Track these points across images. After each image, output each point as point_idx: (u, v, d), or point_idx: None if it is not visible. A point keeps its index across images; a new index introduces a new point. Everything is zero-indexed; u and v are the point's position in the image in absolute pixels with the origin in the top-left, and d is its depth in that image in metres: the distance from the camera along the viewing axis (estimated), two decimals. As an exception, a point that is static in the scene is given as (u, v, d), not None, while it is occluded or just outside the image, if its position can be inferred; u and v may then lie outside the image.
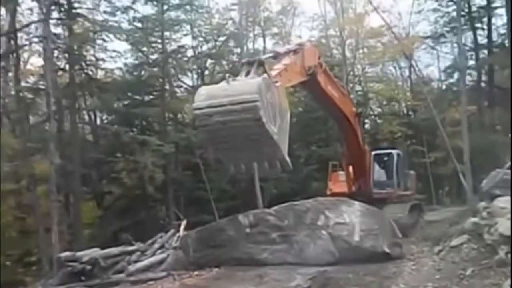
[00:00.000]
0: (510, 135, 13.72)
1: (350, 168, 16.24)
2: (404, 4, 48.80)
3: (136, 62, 24.34)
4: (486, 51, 26.09)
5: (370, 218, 10.96)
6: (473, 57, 26.21)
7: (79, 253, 11.66)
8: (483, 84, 26.57)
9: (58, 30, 20.26)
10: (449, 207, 26.48)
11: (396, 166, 16.85)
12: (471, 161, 19.45)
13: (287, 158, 9.14)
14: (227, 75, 9.67)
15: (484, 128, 24.82)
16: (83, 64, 20.85)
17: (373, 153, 17.02)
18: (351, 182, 16.14)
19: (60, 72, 20.93)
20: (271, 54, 10.82)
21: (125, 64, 23.79)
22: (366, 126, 37.41)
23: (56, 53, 19.69)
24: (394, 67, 40.01)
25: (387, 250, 10.56)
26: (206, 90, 9.61)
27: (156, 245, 13.48)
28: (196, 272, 11.19)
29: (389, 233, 11.16)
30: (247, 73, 9.42)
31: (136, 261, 12.24)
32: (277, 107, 9.04)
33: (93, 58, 22.28)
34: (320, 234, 10.62)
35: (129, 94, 23.87)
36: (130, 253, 12.69)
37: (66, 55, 19.90)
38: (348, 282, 9.13)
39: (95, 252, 11.93)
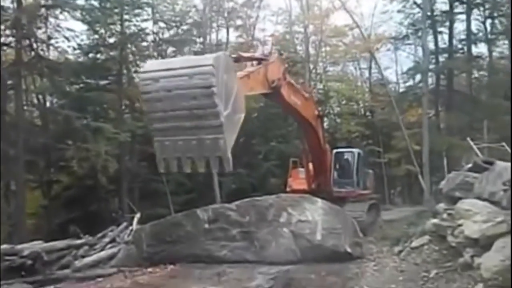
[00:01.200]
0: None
1: (310, 166, 16.11)
2: (366, 6, 49.47)
3: (92, 43, 22.84)
4: (446, 55, 26.77)
5: (333, 217, 10.72)
6: (433, 60, 26.78)
7: (19, 246, 10.66)
8: (441, 88, 27.25)
9: (6, 3, 18.57)
10: (401, 207, 27.21)
11: (357, 165, 16.85)
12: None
13: (229, 156, 8.48)
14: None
15: (441, 131, 25.52)
16: (32, 41, 19.14)
17: (334, 151, 17.04)
18: (311, 179, 16.05)
19: (5, 48, 19.18)
20: (234, 56, 10.24)
21: (79, 45, 22.19)
22: (325, 124, 37.81)
23: (2, 27, 18.06)
24: (355, 68, 40.74)
25: (348, 249, 10.35)
26: (161, 60, 8.93)
27: (107, 239, 12.69)
28: (149, 269, 10.51)
29: (351, 232, 10.95)
30: None
31: (83, 256, 11.43)
32: (232, 96, 8.53)
33: (44, 36, 20.49)
34: (282, 232, 10.27)
35: (83, 77, 22.38)
36: (78, 247, 11.84)
37: (13, 30, 18.22)
38: (311, 283, 8.80)
39: (38, 245, 10.98)
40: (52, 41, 21.03)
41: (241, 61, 10.47)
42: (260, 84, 10.82)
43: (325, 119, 38.58)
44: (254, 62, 10.85)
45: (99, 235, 13.12)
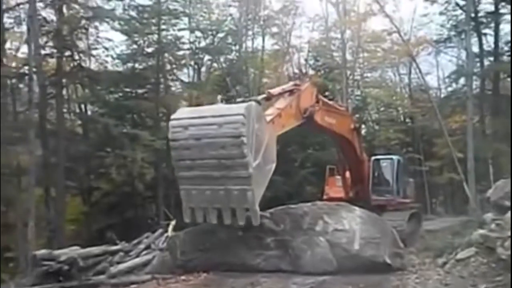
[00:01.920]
0: (510, 139, 13.20)
1: (347, 173, 15.87)
2: (405, 10, 48.27)
3: (130, 53, 23.39)
4: (491, 58, 25.55)
5: (371, 226, 10.22)
6: (478, 64, 25.61)
7: (56, 252, 10.81)
8: (487, 92, 25.99)
9: (48, 14, 19.27)
10: (444, 217, 26.11)
11: (396, 173, 16.30)
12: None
13: (257, 208, 8.45)
14: (219, 96, 9.03)
15: (486, 137, 24.31)
16: (73, 51, 19.78)
17: (372, 158, 16.64)
18: (348, 187, 15.80)
19: (49, 60, 19.91)
20: (264, 95, 10.24)
21: (118, 55, 22.79)
22: (363, 131, 37.11)
23: (45, 39, 18.75)
24: (394, 73, 39.83)
25: (388, 260, 9.81)
26: (191, 108, 8.97)
27: (142, 246, 12.67)
28: (183, 277, 10.35)
29: (391, 242, 10.42)
30: None
31: (119, 262, 11.43)
32: (262, 146, 8.44)
33: (84, 47, 21.18)
34: (318, 241, 9.82)
35: (122, 86, 22.96)
36: (113, 253, 11.87)
37: (55, 41, 18.88)
38: (348, 295, 8.38)
39: (74, 251, 11.09)
40: (92, 52, 21.68)
41: (272, 99, 10.34)
42: (293, 118, 10.84)
43: (363, 126, 38.14)
44: (286, 94, 10.82)
45: (135, 241, 13.15)
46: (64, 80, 19.86)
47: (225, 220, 8.72)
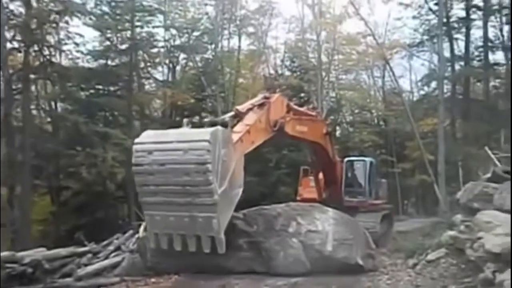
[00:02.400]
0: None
1: (320, 174, 15.82)
2: (380, 14, 49.04)
3: (102, 49, 22.75)
4: (462, 63, 26.16)
5: (344, 227, 10.21)
6: (449, 68, 26.17)
7: (20, 254, 10.35)
8: (458, 96, 26.59)
9: (16, 7, 18.50)
10: (415, 218, 26.53)
11: (369, 174, 16.40)
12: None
13: (222, 237, 8.34)
14: (186, 120, 9.12)
15: (457, 140, 24.84)
16: (41, 46, 19.01)
17: (345, 159, 16.67)
18: (321, 188, 15.77)
19: (16, 54, 19.07)
20: (231, 113, 10.21)
21: (90, 51, 22.14)
22: (337, 133, 37.45)
23: (12, 33, 18.01)
24: (368, 76, 40.41)
25: (360, 262, 9.83)
26: (156, 131, 8.99)
27: (111, 247, 12.26)
28: (153, 279, 10.09)
29: (363, 243, 10.46)
30: None
31: (86, 264, 11.02)
32: (229, 172, 8.38)
33: (53, 41, 20.41)
34: (291, 242, 9.73)
35: (93, 83, 22.31)
36: (81, 254, 11.44)
37: (23, 35, 18.07)
38: (319, 298, 8.32)
39: (40, 252, 10.66)
40: (63, 47, 20.92)
41: (241, 116, 10.23)
42: (263, 133, 10.74)
43: (337, 128, 38.50)
44: (256, 108, 10.70)
45: (104, 243, 12.75)
46: (31, 76, 19.06)
47: (190, 247, 8.65)
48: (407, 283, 8.87)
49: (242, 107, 10.58)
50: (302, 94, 33.50)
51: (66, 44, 20.79)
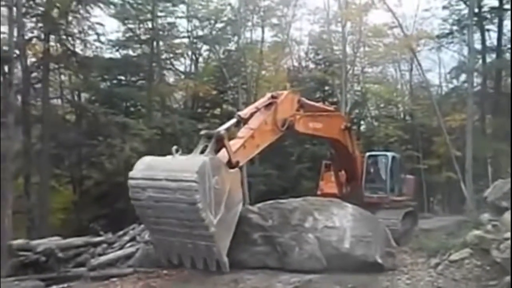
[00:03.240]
0: (510, 139, 12.81)
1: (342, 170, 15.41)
2: (408, 6, 47.58)
3: (124, 39, 22.68)
4: (494, 55, 24.97)
5: (363, 224, 9.83)
6: (480, 61, 25.03)
7: (34, 242, 10.41)
8: (489, 90, 25.44)
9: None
10: (441, 216, 25.79)
11: (391, 170, 15.87)
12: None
13: (225, 259, 8.50)
14: (174, 147, 8.69)
15: (486, 136, 23.82)
16: (62, 35, 19.05)
17: (367, 154, 16.20)
18: (342, 184, 15.39)
19: (37, 43, 19.13)
20: (233, 121, 9.95)
21: (110, 41, 22.12)
22: (362, 127, 36.72)
23: (33, 22, 18.06)
24: (395, 69, 39.34)
25: (379, 260, 9.45)
26: (149, 159, 8.88)
27: (126, 238, 12.26)
28: (165, 271, 9.96)
29: (383, 241, 10.06)
30: (204, 149, 8.82)
31: (100, 254, 11.04)
32: (224, 195, 8.32)
33: (74, 31, 20.43)
34: (306, 238, 9.42)
35: (115, 73, 22.29)
36: (96, 244, 11.48)
37: (43, 24, 18.10)
38: (334, 296, 7.99)
39: (54, 241, 10.70)
40: (83, 36, 20.85)
41: (245, 121, 10.03)
42: (269, 134, 10.50)
43: (362, 122, 37.72)
44: (263, 109, 10.46)
45: (120, 233, 12.76)
46: (52, 65, 19.14)
47: (198, 265, 8.90)
48: (428, 284, 8.48)
49: (244, 112, 10.31)
50: (326, 87, 32.92)
51: (88, 34, 20.74)
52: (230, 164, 8.97)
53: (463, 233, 10.69)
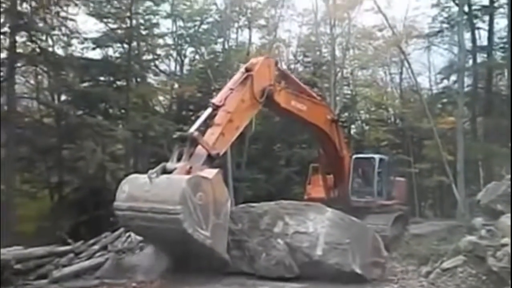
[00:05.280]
0: (510, 144, 12.22)
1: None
2: (397, 9, 47.43)
3: (101, 38, 21.64)
4: (485, 55, 24.48)
5: (341, 230, 8.93)
6: (471, 60, 24.55)
7: (-12, 253, 9.49)
8: (479, 90, 24.93)
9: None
10: (432, 221, 25.26)
11: (379, 173, 15.21)
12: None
13: (226, 256, 8.50)
14: (150, 172, 8.31)
15: (477, 137, 23.28)
16: (31, 32, 17.90)
17: (353, 156, 15.48)
18: (329, 187, 14.79)
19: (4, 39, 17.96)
20: (208, 112, 9.52)
21: (86, 39, 21.08)
22: (352, 131, 36.21)
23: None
24: (385, 73, 39.06)
25: (357, 270, 8.59)
26: (128, 186, 8.55)
27: (96, 247, 11.36)
28: (134, 284, 9.13)
29: (367, 249, 9.23)
30: (179, 155, 8.69)
31: (65, 265, 10.10)
32: (210, 205, 8.10)
33: (46, 27, 19.26)
34: (275, 243, 8.78)
35: (92, 74, 21.25)
36: (61, 254, 10.53)
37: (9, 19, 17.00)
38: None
39: (12, 251, 9.77)
40: (57, 35, 19.80)
41: (218, 109, 9.55)
42: (248, 110, 10.11)
43: (352, 126, 37.22)
44: (238, 86, 9.93)
45: (91, 241, 11.88)
46: (19, 64, 18.02)
47: (203, 265, 8.77)
48: (419, 295, 7.74)
49: (218, 99, 9.71)
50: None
51: (62, 33, 19.68)
52: (211, 159, 8.87)
53: (456, 239, 10.15)
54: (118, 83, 21.37)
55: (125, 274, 9.82)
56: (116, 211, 8.54)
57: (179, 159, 8.71)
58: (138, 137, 20.45)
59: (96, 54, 22.13)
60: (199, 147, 8.84)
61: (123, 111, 21.09)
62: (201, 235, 7.86)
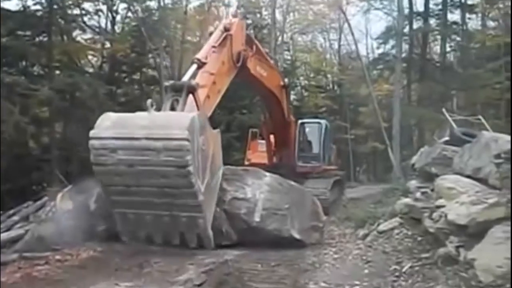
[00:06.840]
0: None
1: (272, 138, 14.80)
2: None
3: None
4: (421, 21, 25.03)
5: (280, 195, 8.80)
6: (407, 26, 25.01)
7: None
8: (414, 56, 25.62)
9: None
10: (367, 185, 26.16)
11: (324, 138, 15.30)
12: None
13: (210, 233, 7.48)
14: (149, 101, 7.30)
15: (411, 102, 24.08)
16: None
17: (299, 122, 15.46)
18: (272, 153, 14.71)
19: None
20: (194, 68, 8.85)
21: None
22: (292, 97, 36.27)
23: None
24: (324, 39, 39.28)
25: (296, 235, 8.57)
26: (115, 116, 7.30)
27: (16, 217, 10.37)
28: (58, 256, 8.32)
29: (306, 214, 9.20)
30: (173, 104, 7.91)
31: (-22, 238, 9.08)
32: (209, 158, 7.28)
33: None
34: (212, 210, 8.43)
35: (9, 26, 18.92)
36: (-26, 226, 9.49)
37: None
38: (254, 277, 6.90)
39: None
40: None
41: (203, 66, 8.99)
42: (227, 74, 9.70)
43: (292, 92, 37.29)
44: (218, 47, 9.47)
45: (10, 212, 10.81)
46: None
47: (173, 241, 7.66)
48: (356, 257, 7.68)
49: (203, 55, 9.15)
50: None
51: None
52: None
53: (391, 202, 10.31)
54: (40, 38, 19.27)
55: (48, 246, 8.99)
56: (93, 141, 7.04)
57: (172, 109, 7.97)
58: (65, 99, 18.78)
59: (12, 5, 19.73)
60: (186, 107, 8.03)
61: (46, 69, 19.13)
62: (197, 184, 6.92)
